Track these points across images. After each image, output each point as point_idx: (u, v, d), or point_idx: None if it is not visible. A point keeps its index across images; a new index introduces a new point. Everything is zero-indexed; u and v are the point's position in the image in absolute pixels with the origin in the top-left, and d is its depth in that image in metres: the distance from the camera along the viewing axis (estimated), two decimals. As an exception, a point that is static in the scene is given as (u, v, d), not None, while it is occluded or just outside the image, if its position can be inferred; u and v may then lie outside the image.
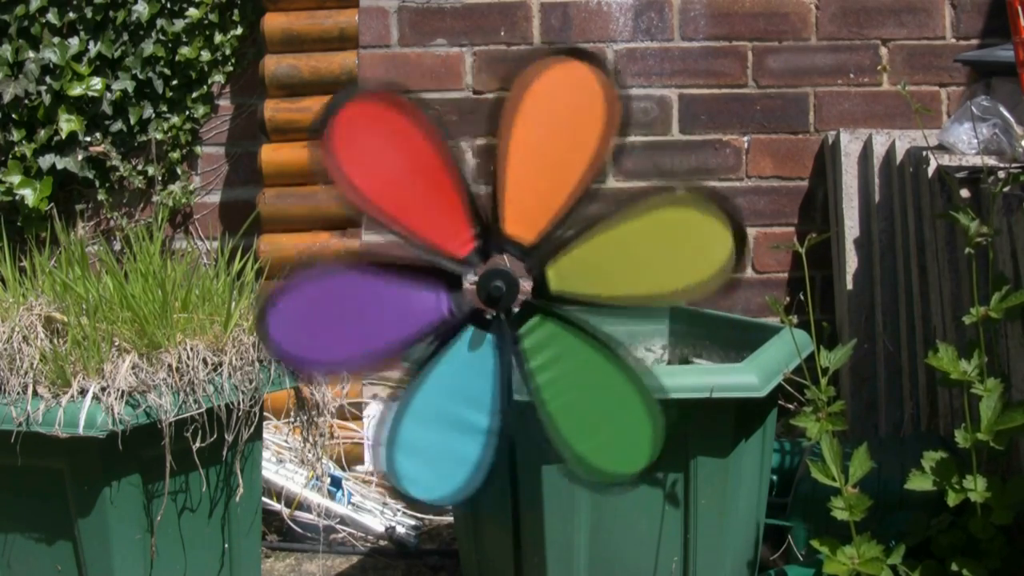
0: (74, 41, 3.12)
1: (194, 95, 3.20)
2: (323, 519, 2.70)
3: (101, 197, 3.21)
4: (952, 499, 1.92)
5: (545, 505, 1.95)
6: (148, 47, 3.14)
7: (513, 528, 1.86)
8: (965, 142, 2.44)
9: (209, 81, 3.20)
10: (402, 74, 3.06)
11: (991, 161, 2.35)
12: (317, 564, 2.64)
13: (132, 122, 3.17)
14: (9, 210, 3.14)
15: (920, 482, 1.96)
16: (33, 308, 2.01)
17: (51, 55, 3.10)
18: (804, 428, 1.95)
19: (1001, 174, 2.19)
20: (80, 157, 3.16)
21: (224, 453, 2.04)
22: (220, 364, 2.02)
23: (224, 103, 3.26)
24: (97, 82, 3.13)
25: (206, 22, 3.16)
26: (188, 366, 1.97)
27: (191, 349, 1.98)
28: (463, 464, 1.72)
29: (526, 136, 1.69)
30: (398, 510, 2.83)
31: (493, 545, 2.11)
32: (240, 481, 2.08)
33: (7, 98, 3.09)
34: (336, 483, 2.81)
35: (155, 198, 3.19)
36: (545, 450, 1.80)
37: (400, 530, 2.73)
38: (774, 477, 2.36)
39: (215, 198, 3.28)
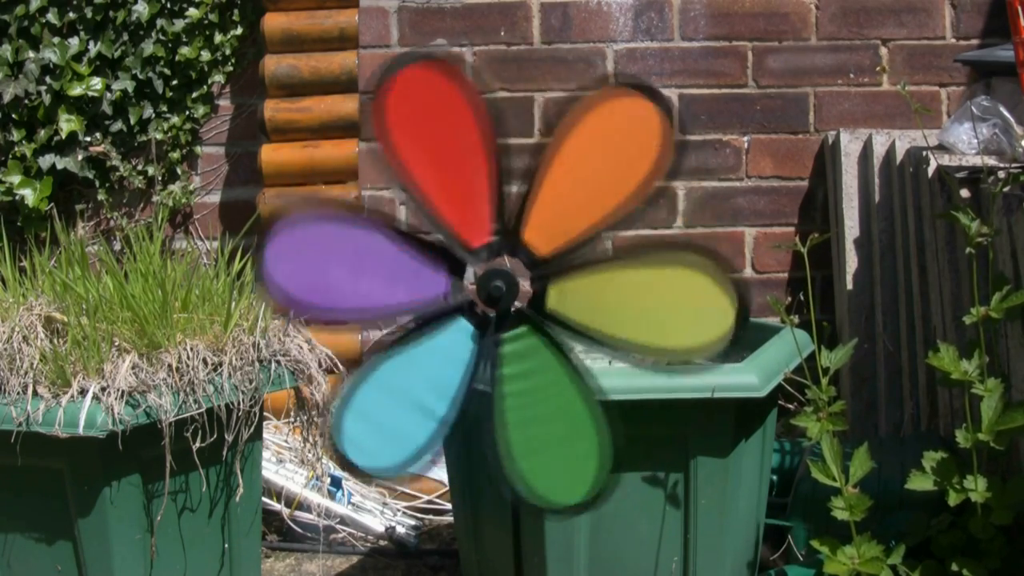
0: (74, 41, 3.12)
1: (194, 95, 3.20)
2: (323, 519, 2.70)
3: (101, 197, 3.21)
4: (953, 499, 1.92)
5: (545, 505, 1.94)
6: (148, 47, 3.14)
7: (513, 528, 1.86)
8: (965, 142, 2.44)
9: (209, 81, 3.20)
10: (402, 74, 3.06)
11: (991, 161, 2.35)
12: (317, 564, 2.64)
13: (132, 122, 3.17)
14: (9, 210, 3.14)
15: (921, 482, 1.96)
16: (33, 308, 2.01)
17: (51, 55, 3.10)
18: (804, 428, 1.95)
19: (1001, 174, 2.19)
20: (80, 157, 3.16)
21: (224, 453, 2.04)
22: (220, 364, 2.02)
23: (224, 103, 3.26)
24: (97, 82, 3.13)
25: (206, 22, 3.16)
26: (188, 366, 1.96)
27: (191, 349, 1.98)
28: (408, 444, 1.71)
29: (574, 152, 1.69)
30: (398, 510, 2.83)
31: (493, 545, 2.11)
32: (240, 481, 2.08)
33: (7, 98, 3.09)
34: (336, 483, 2.81)
35: (155, 198, 3.19)
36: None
37: (400, 530, 2.73)
38: (774, 477, 2.36)
39: (215, 198, 3.28)
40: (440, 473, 2.89)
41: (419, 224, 1.76)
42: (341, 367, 2.21)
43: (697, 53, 3.07)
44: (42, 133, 3.13)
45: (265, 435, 2.58)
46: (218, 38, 3.17)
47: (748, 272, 3.07)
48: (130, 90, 3.15)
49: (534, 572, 1.99)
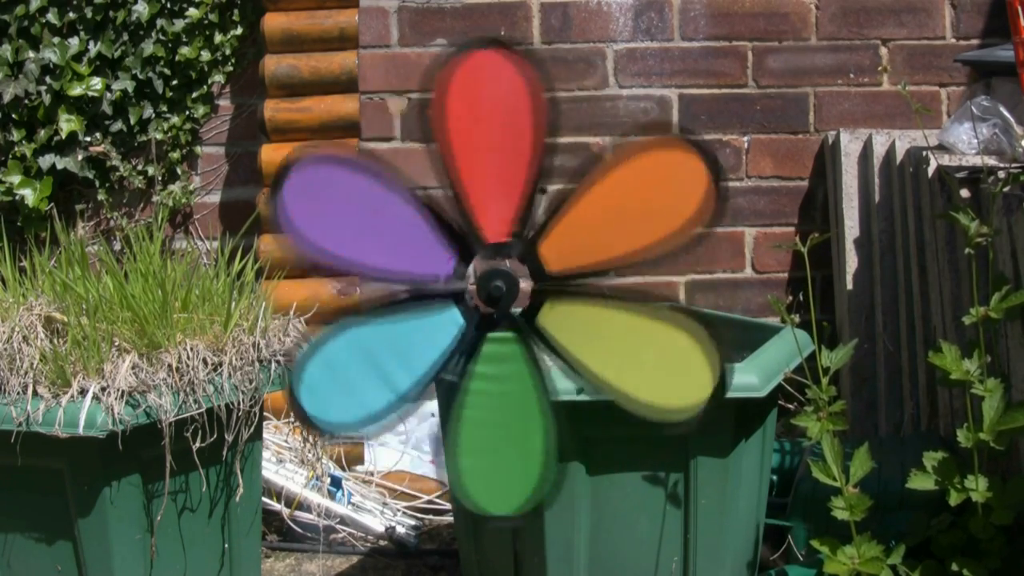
0: (74, 41, 3.12)
1: (194, 95, 3.20)
2: (323, 519, 2.70)
3: (101, 197, 3.21)
4: (953, 499, 1.92)
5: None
6: (148, 47, 3.13)
7: (513, 528, 1.86)
8: (965, 142, 2.44)
9: (209, 81, 3.20)
10: (402, 74, 3.06)
11: (991, 161, 2.35)
12: (317, 564, 2.64)
13: (132, 122, 3.17)
14: (9, 210, 3.14)
15: (921, 481, 1.96)
16: (33, 308, 2.00)
17: (51, 55, 3.09)
18: (804, 428, 1.95)
19: (1001, 174, 2.19)
20: (80, 157, 3.16)
21: (224, 453, 2.04)
22: (220, 364, 2.02)
23: (224, 103, 3.26)
24: (97, 82, 3.13)
25: (206, 22, 3.16)
26: (188, 366, 1.96)
27: (191, 349, 1.98)
28: (361, 408, 1.72)
29: (616, 186, 1.69)
30: (398, 510, 2.83)
31: (493, 545, 2.11)
32: (240, 481, 2.08)
33: (7, 98, 3.08)
34: (336, 483, 2.81)
35: (155, 198, 3.19)
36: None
37: (400, 530, 2.73)
38: (774, 477, 2.36)
39: (215, 198, 3.28)
40: (440, 473, 2.89)
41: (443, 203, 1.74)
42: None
43: (697, 53, 3.07)
44: (42, 133, 3.13)
45: (265, 435, 2.58)
46: (218, 38, 3.17)
47: (748, 272, 3.07)
48: (130, 90, 3.15)
49: (534, 572, 1.99)
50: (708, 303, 3.03)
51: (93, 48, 3.12)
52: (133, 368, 1.92)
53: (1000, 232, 2.09)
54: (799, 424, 1.95)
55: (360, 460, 2.97)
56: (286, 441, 2.85)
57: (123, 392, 1.88)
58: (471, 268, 1.75)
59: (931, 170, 2.48)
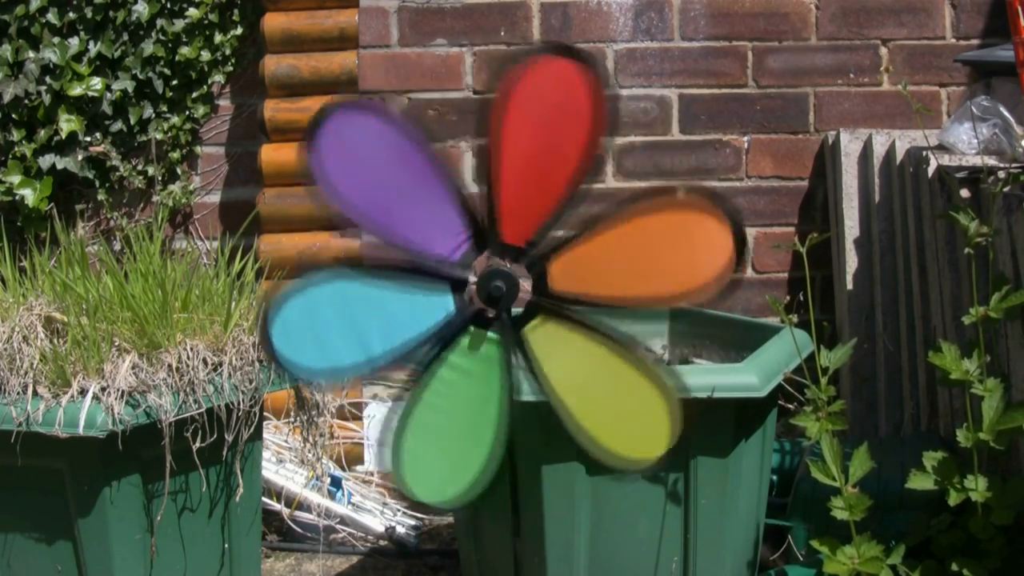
0: (74, 41, 3.12)
1: (194, 95, 3.20)
2: (323, 519, 2.70)
3: (101, 197, 3.21)
4: (953, 499, 1.91)
5: (545, 505, 1.95)
6: (148, 47, 3.14)
7: (513, 528, 1.86)
8: (965, 142, 2.44)
9: (209, 81, 3.20)
10: (402, 74, 3.06)
11: (991, 161, 2.35)
12: (317, 564, 2.64)
13: (132, 122, 3.17)
14: (9, 210, 3.14)
15: (921, 481, 1.96)
16: (33, 308, 2.01)
17: (51, 55, 3.10)
18: (804, 428, 1.95)
19: (1001, 174, 2.19)
20: (80, 157, 3.16)
21: (224, 453, 2.04)
22: (220, 364, 2.02)
23: (224, 103, 3.26)
24: (97, 82, 3.13)
25: (206, 22, 3.16)
26: (188, 366, 1.96)
27: (191, 349, 1.98)
28: (327, 358, 1.73)
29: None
30: (398, 510, 2.83)
31: (493, 545, 2.11)
32: (240, 481, 2.08)
33: (7, 98, 3.09)
34: (336, 483, 2.81)
35: (155, 198, 3.19)
36: (544, 451, 1.80)
37: (400, 530, 2.73)
38: (774, 477, 2.36)
39: (215, 198, 3.28)
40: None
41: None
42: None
43: (697, 53, 3.07)
44: (42, 133, 3.13)
45: (265, 435, 2.58)
46: (218, 38, 3.17)
47: (748, 272, 3.07)
48: (130, 90, 3.15)
49: (534, 572, 1.99)
50: (709, 305, 3.03)
51: (93, 48, 3.12)
52: (133, 368, 1.92)
53: (1000, 232, 2.09)
54: (799, 424, 1.95)
55: (360, 460, 2.97)
56: (286, 441, 2.85)
57: (123, 392, 1.88)
58: (476, 261, 1.76)
59: (931, 170, 2.48)
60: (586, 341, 1.72)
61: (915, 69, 3.06)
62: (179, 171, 3.23)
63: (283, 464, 2.76)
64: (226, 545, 2.12)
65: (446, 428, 1.73)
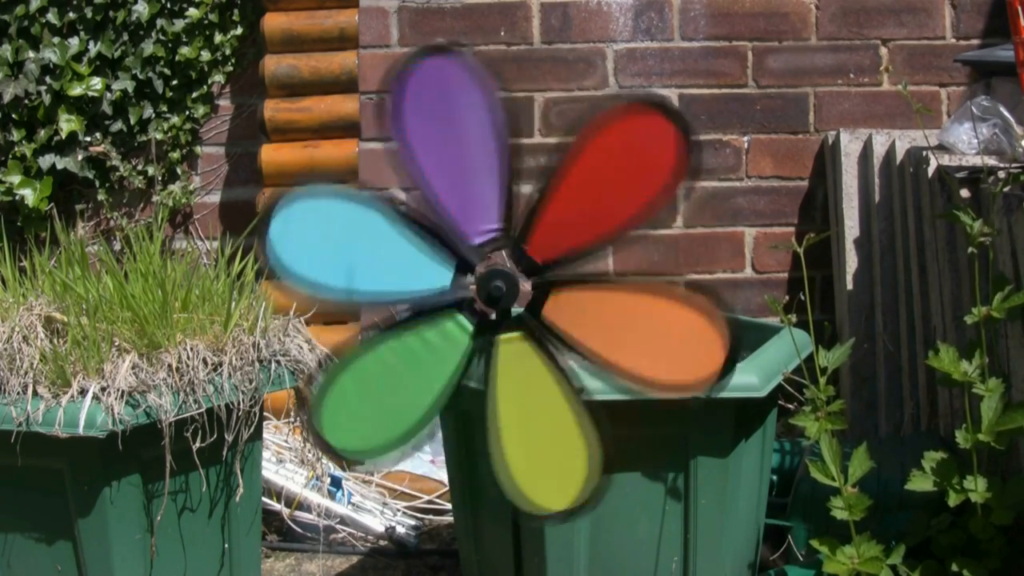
0: (74, 41, 3.12)
1: (194, 95, 3.20)
2: (323, 519, 2.70)
3: (101, 197, 3.21)
4: (953, 499, 1.91)
5: (545, 505, 1.94)
6: (148, 47, 3.14)
7: (513, 528, 1.86)
8: (965, 142, 2.44)
9: (209, 81, 3.20)
10: (402, 74, 3.06)
11: (991, 161, 2.35)
12: (317, 564, 2.64)
13: (132, 122, 3.17)
14: (9, 210, 3.14)
15: (921, 482, 1.96)
16: (33, 308, 2.00)
17: (51, 55, 3.10)
18: (804, 428, 1.95)
19: (1001, 174, 2.19)
20: (80, 157, 3.16)
21: (224, 453, 2.04)
22: (220, 364, 2.02)
23: (224, 103, 3.26)
24: (97, 82, 3.13)
25: (206, 22, 3.16)
26: (188, 366, 1.96)
27: (191, 349, 1.98)
28: (310, 269, 1.72)
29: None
30: (398, 510, 2.83)
31: (493, 545, 2.11)
32: (240, 481, 2.08)
33: (7, 98, 3.09)
34: (336, 483, 2.81)
35: (155, 198, 3.19)
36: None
37: (400, 530, 2.73)
38: (774, 477, 2.36)
39: (215, 198, 3.28)
40: (440, 473, 2.89)
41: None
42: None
43: (697, 53, 3.07)
44: (42, 133, 3.13)
45: (265, 435, 2.58)
46: (218, 38, 3.17)
47: (748, 272, 3.07)
48: (130, 90, 3.15)
49: (534, 572, 1.99)
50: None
51: (93, 48, 3.13)
52: (133, 368, 1.92)
53: (1000, 232, 2.09)
54: (799, 424, 1.95)
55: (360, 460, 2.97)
56: (286, 441, 2.85)
57: (123, 392, 1.87)
58: (493, 254, 1.75)
59: (931, 170, 2.48)
60: (547, 376, 1.69)
61: (915, 69, 3.06)
62: (179, 171, 3.23)
63: (283, 464, 2.76)
64: (226, 545, 2.12)
65: (387, 383, 1.72)
